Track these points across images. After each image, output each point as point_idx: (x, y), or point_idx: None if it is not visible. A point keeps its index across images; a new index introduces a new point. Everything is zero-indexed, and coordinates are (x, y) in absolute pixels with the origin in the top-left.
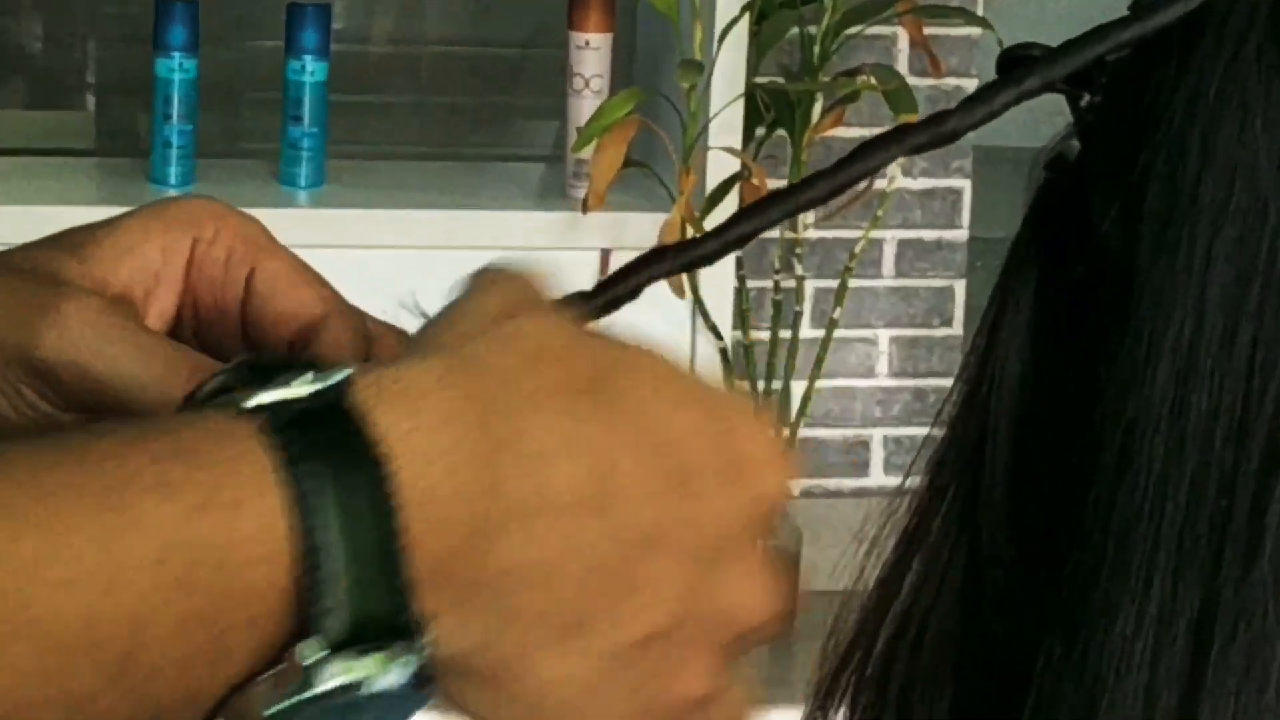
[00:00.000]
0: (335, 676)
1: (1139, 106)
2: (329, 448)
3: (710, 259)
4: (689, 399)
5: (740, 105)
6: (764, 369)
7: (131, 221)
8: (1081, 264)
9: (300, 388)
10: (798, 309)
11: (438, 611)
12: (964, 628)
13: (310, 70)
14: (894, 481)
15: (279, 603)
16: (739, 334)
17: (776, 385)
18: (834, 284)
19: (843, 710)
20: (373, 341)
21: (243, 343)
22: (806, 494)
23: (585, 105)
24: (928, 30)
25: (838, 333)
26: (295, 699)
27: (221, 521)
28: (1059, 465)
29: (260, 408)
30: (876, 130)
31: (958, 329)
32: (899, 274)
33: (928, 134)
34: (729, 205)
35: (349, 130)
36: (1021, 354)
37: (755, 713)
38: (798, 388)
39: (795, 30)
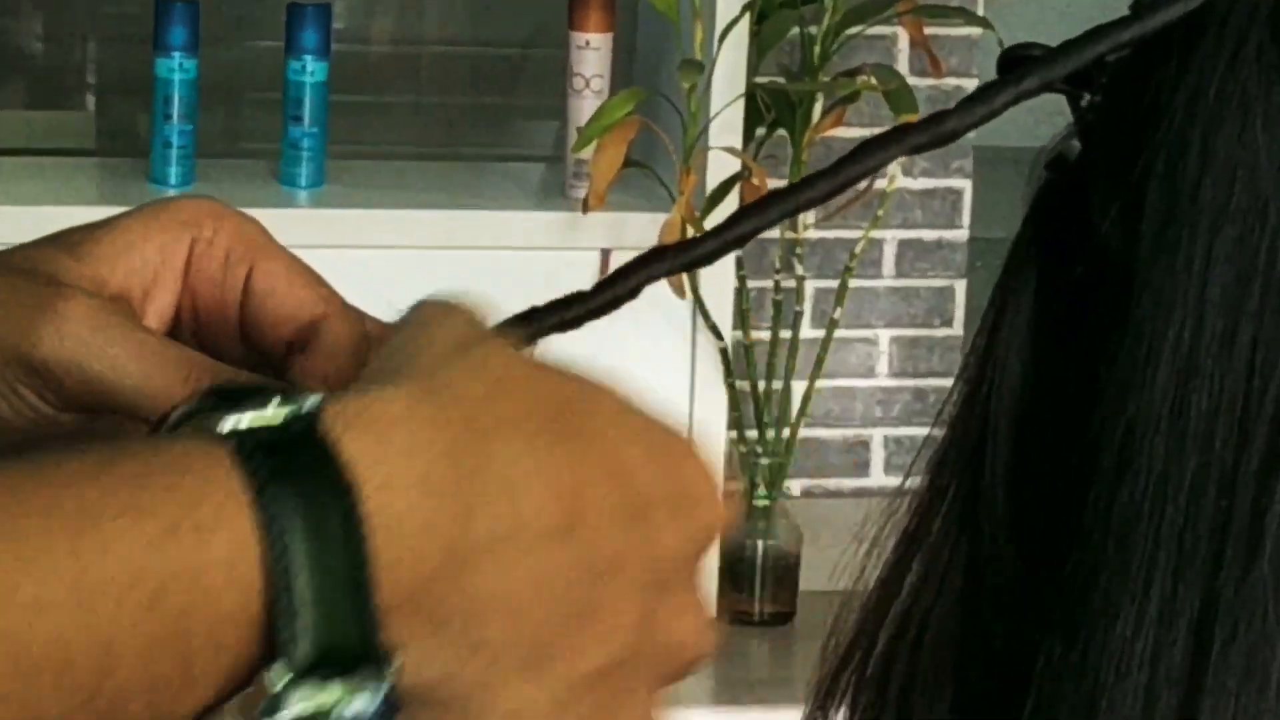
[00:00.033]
0: (302, 703)
1: (1139, 106)
2: (299, 475)
3: (710, 259)
4: (641, 431)
5: (740, 105)
6: (764, 369)
7: (130, 221)
8: (1082, 264)
9: (271, 414)
10: (798, 309)
11: (406, 640)
12: (964, 628)
13: (310, 70)
14: (894, 481)
15: (248, 628)
16: (739, 334)
17: (777, 385)
18: (834, 284)
19: (843, 710)
20: (372, 342)
21: (241, 343)
22: (807, 494)
23: (585, 105)
24: (928, 30)
25: (838, 333)
26: None
27: (191, 546)
28: (1059, 465)
29: (231, 433)
30: (877, 130)
31: (958, 329)
32: (899, 274)
33: (927, 134)
34: (729, 205)
35: (349, 130)
36: (1022, 354)
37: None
38: (798, 388)
39: (796, 30)
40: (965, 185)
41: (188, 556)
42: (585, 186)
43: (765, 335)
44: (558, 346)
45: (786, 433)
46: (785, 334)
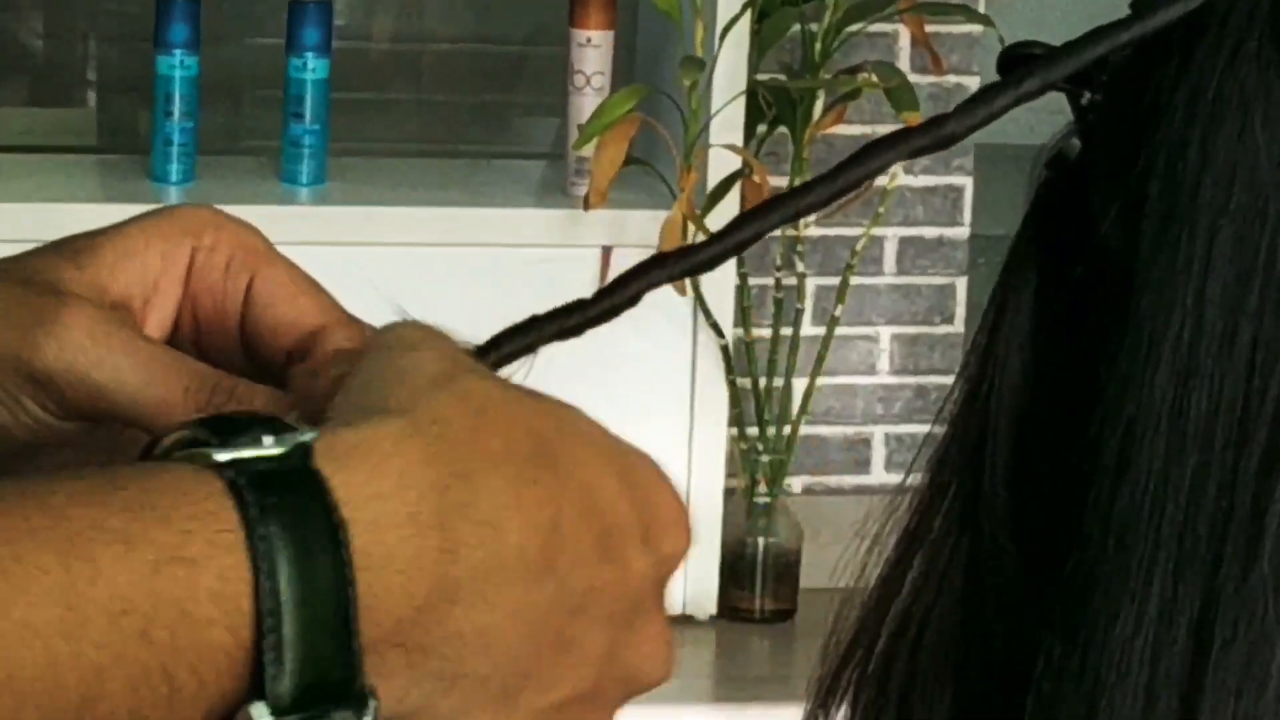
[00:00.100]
0: None
1: (1139, 105)
2: (291, 511)
3: (710, 265)
4: (611, 460)
5: (741, 103)
6: (765, 366)
7: (131, 229)
8: (1082, 263)
9: (265, 447)
10: (799, 306)
11: (387, 673)
12: (965, 627)
13: (312, 67)
14: (895, 479)
15: (235, 661)
16: (740, 331)
17: (778, 382)
18: (835, 281)
19: (843, 708)
20: (348, 368)
21: (242, 351)
22: (808, 491)
23: (586, 103)
24: (929, 27)
25: (839, 330)
26: None
27: (182, 578)
28: (1059, 464)
29: (225, 465)
30: (878, 128)
31: (959, 326)
32: (900, 271)
33: (928, 137)
34: (730, 203)
35: (350, 128)
36: (1022, 353)
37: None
38: (799, 385)
39: (797, 27)
40: (966, 182)
41: (179, 588)
42: (586, 184)
43: (766, 332)
44: (558, 346)
45: (787, 430)
46: (786, 331)
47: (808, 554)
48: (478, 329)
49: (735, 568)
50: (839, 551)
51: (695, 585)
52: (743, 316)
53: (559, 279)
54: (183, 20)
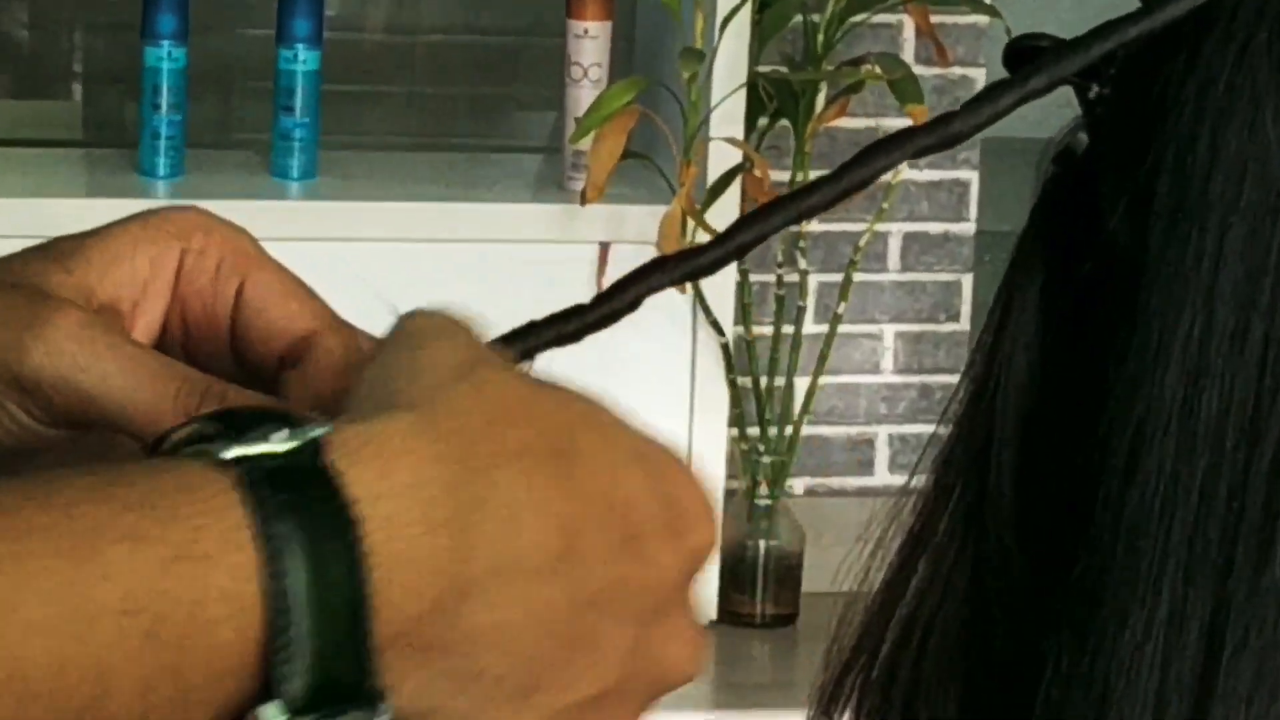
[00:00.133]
0: None
1: (1148, 99)
2: (302, 509)
3: (710, 269)
4: (635, 455)
5: (742, 95)
6: (766, 365)
7: (119, 231)
8: (1090, 260)
9: (276, 443)
10: (801, 304)
11: (401, 672)
12: (970, 632)
13: (302, 59)
14: (899, 480)
15: (245, 661)
16: (741, 329)
17: (779, 381)
18: (838, 278)
19: (847, 715)
20: (365, 359)
21: (232, 357)
22: (810, 493)
23: (584, 95)
24: (934, 18)
25: (842, 328)
26: None
27: (192, 576)
28: (1067, 465)
29: (235, 461)
30: (881, 121)
31: (965, 324)
32: (904, 268)
33: (934, 136)
34: (731, 197)
35: (342, 121)
36: (1029, 352)
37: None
38: (801, 384)
39: (798, 18)
40: (972, 177)
41: (189, 587)
42: (583, 178)
43: (768, 330)
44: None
45: (789, 430)
46: (788, 329)
47: (810, 557)
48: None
49: (736, 571)
50: (842, 555)
51: (694, 589)
52: (744, 314)
53: (555, 276)
54: (170, 10)
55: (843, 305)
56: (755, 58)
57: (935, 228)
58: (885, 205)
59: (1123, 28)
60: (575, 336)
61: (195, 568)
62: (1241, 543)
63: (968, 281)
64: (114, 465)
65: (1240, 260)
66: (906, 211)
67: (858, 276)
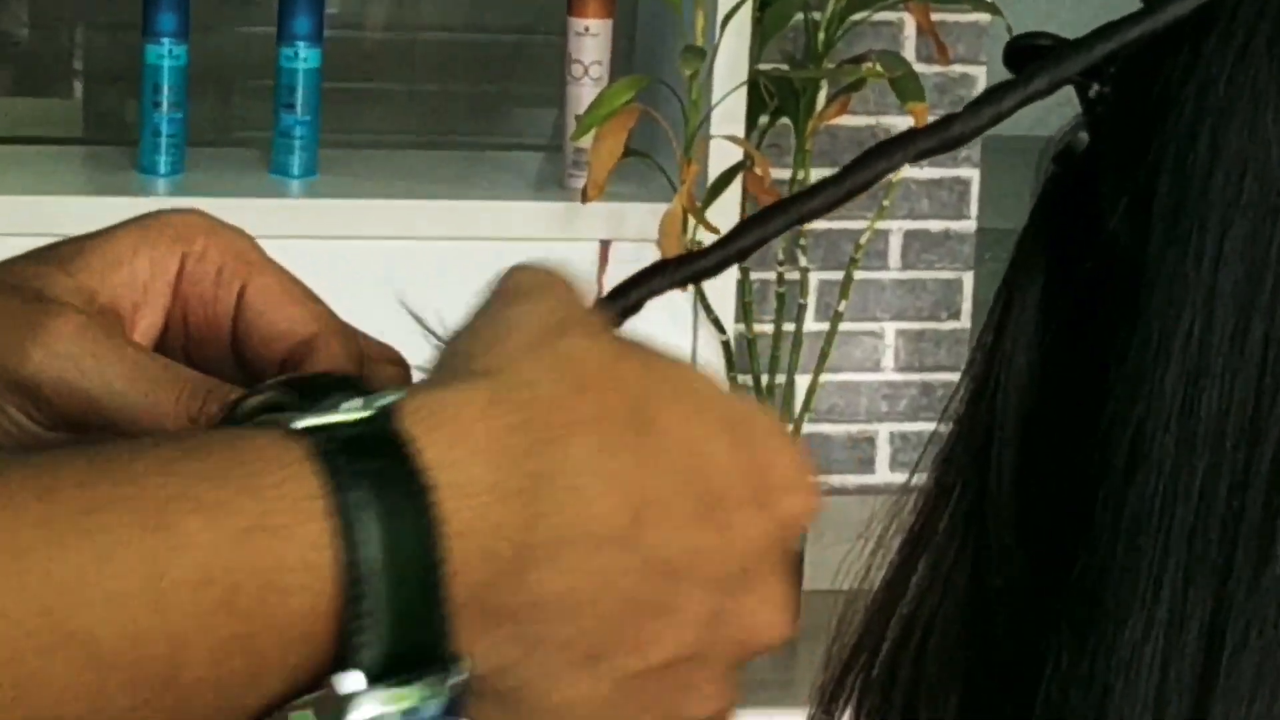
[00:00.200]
0: (373, 708)
1: (1149, 98)
2: (376, 477)
3: (711, 273)
4: (721, 423)
5: (743, 93)
6: (767, 363)
7: (120, 233)
8: (1090, 259)
9: (348, 412)
10: (802, 301)
11: (467, 635)
12: (970, 631)
13: (303, 57)
14: (900, 478)
15: (320, 630)
16: (742, 327)
17: (780, 380)
18: (839, 276)
19: (847, 714)
20: (366, 362)
21: (233, 360)
22: None
23: (584, 93)
24: (935, 16)
25: (842, 326)
26: None
27: (267, 546)
28: (1067, 465)
29: (307, 430)
30: (882, 119)
31: (965, 322)
32: (905, 266)
33: (935, 138)
34: (731, 195)
35: (343, 119)
36: (1029, 350)
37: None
38: (802, 382)
39: (799, 16)
40: (973, 175)
41: (263, 557)
42: (584, 176)
43: (768, 328)
44: None
45: (790, 428)
46: (789, 327)
47: (811, 555)
48: None
49: None
50: (843, 553)
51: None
52: (744, 312)
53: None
54: (171, 8)
55: (843, 303)
56: (756, 55)
57: (936, 225)
58: (886, 203)
59: (1125, 28)
60: None
61: (270, 538)
62: (1241, 542)
63: (968, 279)
64: (190, 435)
65: (1240, 260)
66: (907, 209)
67: (859, 274)
